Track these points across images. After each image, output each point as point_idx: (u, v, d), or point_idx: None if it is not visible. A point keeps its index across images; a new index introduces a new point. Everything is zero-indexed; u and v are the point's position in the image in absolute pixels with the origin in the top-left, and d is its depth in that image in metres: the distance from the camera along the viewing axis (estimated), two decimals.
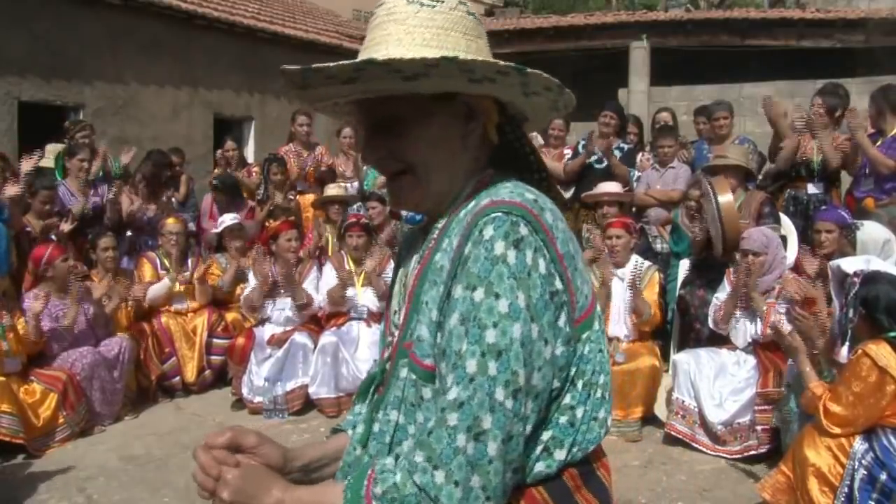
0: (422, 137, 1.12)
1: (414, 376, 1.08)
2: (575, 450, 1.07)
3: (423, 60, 1.01)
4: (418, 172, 1.14)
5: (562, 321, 1.03)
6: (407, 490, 0.97)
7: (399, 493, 0.97)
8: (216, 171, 7.37)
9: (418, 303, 1.09)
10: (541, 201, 1.06)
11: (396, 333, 1.16)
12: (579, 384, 1.07)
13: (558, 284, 1.02)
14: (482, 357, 0.96)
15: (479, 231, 1.01)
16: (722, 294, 4.40)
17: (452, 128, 1.13)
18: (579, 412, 1.07)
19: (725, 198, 4.52)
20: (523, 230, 1.00)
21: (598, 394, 1.09)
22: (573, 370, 1.07)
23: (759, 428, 4.01)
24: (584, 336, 1.08)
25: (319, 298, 5.22)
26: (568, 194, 6.32)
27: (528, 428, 1.01)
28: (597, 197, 5.54)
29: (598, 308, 1.13)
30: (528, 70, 1.10)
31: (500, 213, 1.01)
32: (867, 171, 4.95)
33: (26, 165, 5.45)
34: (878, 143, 4.97)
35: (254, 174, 6.97)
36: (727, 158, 4.97)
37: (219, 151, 7.52)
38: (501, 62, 1.06)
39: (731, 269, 4.37)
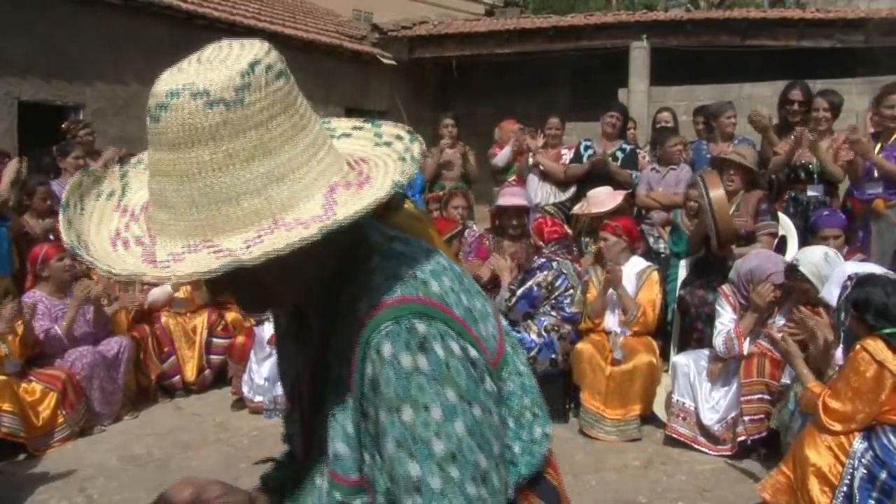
0: (279, 281, 0.96)
1: (338, 495, 0.99)
2: (521, 480, 1.04)
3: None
4: (265, 293, 1.00)
5: (489, 384, 0.96)
6: None
7: None
8: None
9: (323, 414, 0.99)
10: (419, 271, 0.95)
11: (301, 426, 1.10)
12: (511, 422, 1.04)
13: (474, 353, 0.95)
14: (440, 469, 0.89)
15: (377, 351, 0.91)
16: (725, 319, 4.21)
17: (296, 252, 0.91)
18: (517, 448, 1.04)
19: (717, 192, 4.53)
20: (420, 328, 0.91)
21: (529, 417, 1.06)
22: (505, 412, 1.02)
23: (746, 418, 4.00)
24: (504, 375, 1.04)
25: None
26: (568, 194, 6.32)
27: (511, 493, 1.00)
28: (588, 215, 5.50)
29: (510, 341, 1.07)
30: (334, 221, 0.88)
31: (389, 325, 0.91)
32: (874, 173, 4.93)
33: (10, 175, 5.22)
34: (878, 147, 4.96)
35: None
36: (742, 157, 4.95)
37: None
38: (380, 195, 0.91)
39: (727, 290, 4.26)
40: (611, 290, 4.68)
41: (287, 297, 1.02)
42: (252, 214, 0.88)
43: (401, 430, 0.90)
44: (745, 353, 4.07)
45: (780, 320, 4.04)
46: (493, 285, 4.94)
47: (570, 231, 5.26)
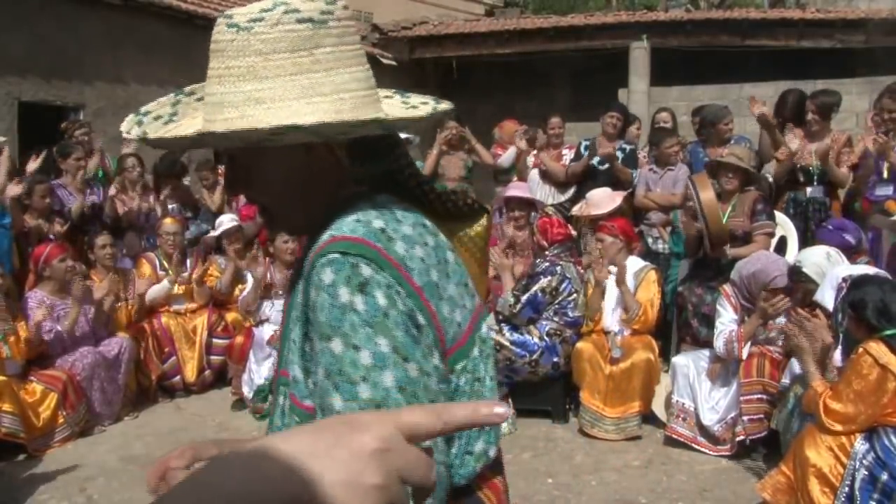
0: (261, 179, 1.08)
1: (296, 416, 1.03)
2: (449, 487, 1.01)
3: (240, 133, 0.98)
4: (271, 211, 1.12)
5: (437, 359, 0.97)
6: None
7: None
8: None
9: (287, 338, 1.05)
10: (391, 229, 0.99)
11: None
12: None
13: (420, 319, 0.95)
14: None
15: (319, 275, 0.95)
16: (726, 319, 4.21)
17: (293, 161, 1.05)
18: (454, 448, 1.02)
19: (706, 194, 4.54)
20: (365, 271, 0.93)
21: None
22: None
23: (745, 418, 4.01)
24: (459, 367, 1.03)
25: None
26: (568, 195, 6.31)
27: (447, 461, 0.99)
28: (586, 217, 5.50)
29: (483, 330, 1.08)
30: (377, 118, 1.02)
31: (337, 255, 0.94)
32: (884, 174, 4.92)
33: (31, 165, 5.44)
34: None
35: None
36: (739, 159, 4.95)
37: None
38: (350, 119, 0.99)
39: (729, 291, 4.26)
40: (611, 289, 4.68)
41: (292, 219, 1.11)
42: (293, 72, 1.00)
43: (330, 360, 0.92)
44: (745, 356, 4.07)
45: (780, 320, 4.04)
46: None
47: (574, 232, 5.24)
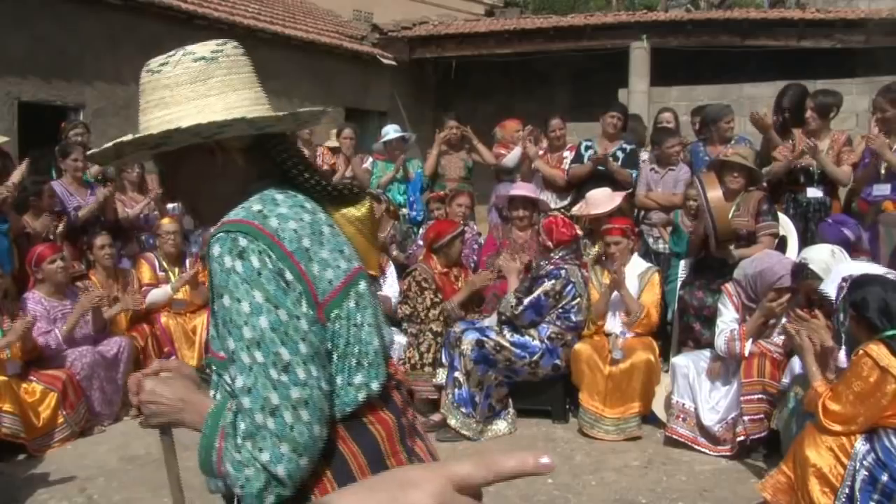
0: (183, 185, 1.42)
1: (215, 368, 1.30)
2: (336, 411, 1.26)
3: (149, 137, 1.30)
4: (196, 209, 1.47)
5: (304, 306, 1.22)
6: (234, 469, 1.19)
7: (228, 472, 1.20)
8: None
9: (212, 305, 1.29)
10: (268, 209, 1.27)
11: None
12: (335, 357, 1.27)
13: (289, 276, 1.22)
14: (248, 350, 1.18)
15: (211, 250, 1.25)
16: (728, 318, 4.22)
17: (203, 165, 1.36)
18: (339, 380, 1.27)
19: (714, 192, 4.53)
20: (242, 242, 1.22)
21: (353, 362, 1.28)
22: (329, 345, 1.26)
23: (746, 418, 4.01)
24: (333, 315, 1.27)
25: None
26: (568, 200, 6.28)
27: (324, 385, 1.22)
28: (586, 217, 5.50)
29: (360, 287, 1.32)
30: (252, 118, 1.30)
31: (221, 234, 1.24)
32: (882, 174, 4.92)
33: (16, 176, 5.30)
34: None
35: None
36: (744, 158, 4.95)
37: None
38: (219, 119, 1.28)
39: (731, 290, 4.27)
40: (614, 297, 4.68)
41: (211, 213, 1.38)
42: (193, 98, 1.33)
43: (223, 312, 1.21)
44: (746, 354, 4.07)
45: (783, 321, 4.04)
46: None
47: (580, 231, 5.24)
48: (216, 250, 1.23)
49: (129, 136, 1.31)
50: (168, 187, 1.51)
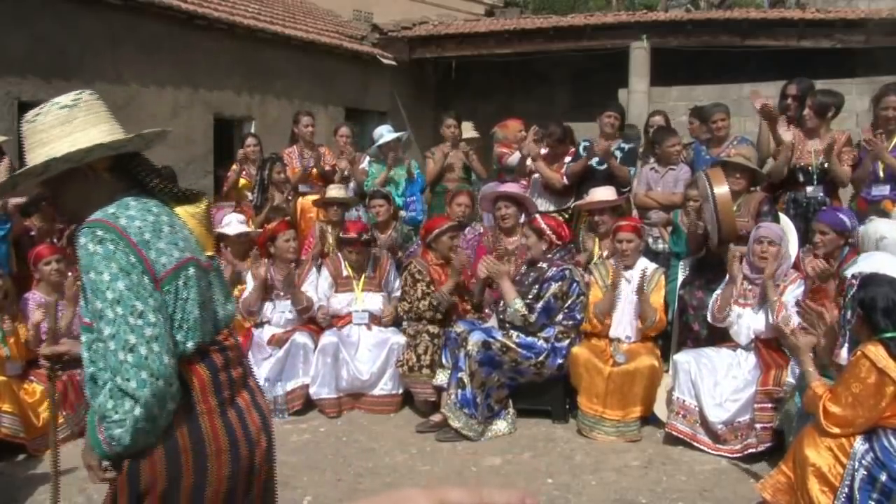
0: (67, 200, 1.85)
1: (83, 329, 1.73)
2: (179, 350, 1.71)
3: (25, 170, 1.76)
4: (80, 219, 1.76)
5: (147, 280, 1.66)
6: (109, 401, 1.59)
7: (105, 406, 1.60)
8: (234, 167, 7.28)
9: (83, 283, 1.70)
10: (119, 212, 1.70)
11: None
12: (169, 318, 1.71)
13: (133, 259, 1.65)
14: (111, 307, 1.61)
15: (77, 241, 1.68)
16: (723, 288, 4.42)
17: (81, 184, 1.78)
18: (178, 336, 1.71)
19: (721, 189, 4.53)
20: (99, 233, 1.65)
21: (175, 325, 1.70)
22: (169, 310, 1.70)
23: (758, 426, 4.01)
24: (166, 289, 1.70)
25: (318, 299, 5.23)
26: (567, 204, 6.26)
27: (166, 323, 1.65)
28: (589, 206, 5.52)
29: (189, 271, 1.74)
30: (90, 146, 1.73)
31: (85, 228, 1.67)
32: (881, 174, 4.92)
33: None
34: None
35: (231, 174, 7.02)
36: (746, 159, 4.96)
37: (240, 151, 7.32)
38: (84, 147, 1.73)
39: (736, 260, 4.37)
40: (625, 296, 4.67)
41: (70, 208, 1.88)
42: (59, 139, 1.78)
43: (91, 283, 1.64)
44: (724, 319, 4.34)
45: (795, 321, 4.07)
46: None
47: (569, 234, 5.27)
48: (82, 241, 1.66)
49: (20, 170, 1.79)
50: (58, 206, 1.87)
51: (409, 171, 6.72)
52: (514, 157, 6.58)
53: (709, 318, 4.45)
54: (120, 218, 1.68)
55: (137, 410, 1.56)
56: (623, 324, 4.72)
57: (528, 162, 6.29)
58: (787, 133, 5.33)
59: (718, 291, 4.47)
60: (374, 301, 5.23)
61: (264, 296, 5.14)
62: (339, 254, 5.39)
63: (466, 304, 5.20)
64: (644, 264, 4.84)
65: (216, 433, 1.71)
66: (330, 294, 5.26)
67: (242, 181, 6.92)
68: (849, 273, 3.31)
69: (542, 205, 6.19)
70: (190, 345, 1.72)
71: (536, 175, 6.30)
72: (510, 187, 5.69)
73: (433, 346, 4.82)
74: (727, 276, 4.47)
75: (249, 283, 5.23)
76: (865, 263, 3.43)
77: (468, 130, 7.28)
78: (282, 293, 5.15)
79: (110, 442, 1.60)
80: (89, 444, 1.68)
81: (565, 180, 6.18)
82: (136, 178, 1.82)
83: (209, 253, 1.88)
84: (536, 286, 4.67)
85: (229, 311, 1.91)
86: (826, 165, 5.17)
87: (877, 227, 4.02)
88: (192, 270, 1.75)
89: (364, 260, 5.30)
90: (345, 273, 5.29)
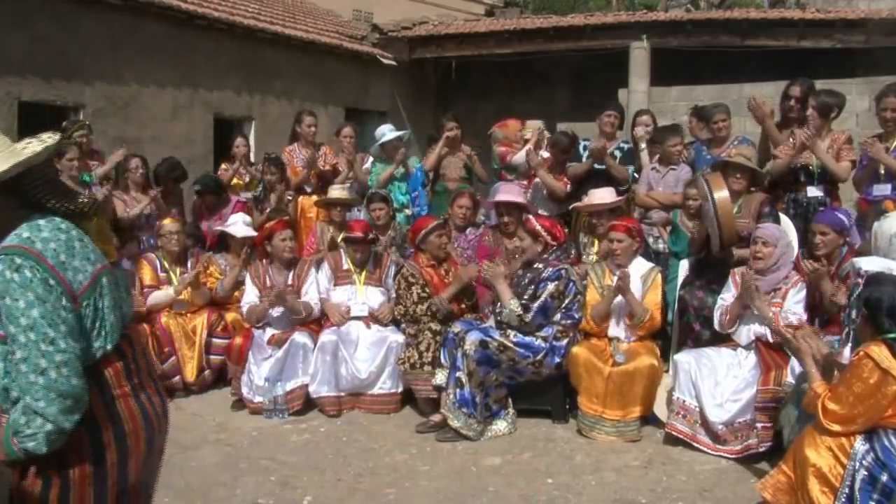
0: None
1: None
2: (88, 360, 1.84)
3: None
4: None
5: (65, 301, 1.77)
6: (21, 418, 1.72)
7: (18, 422, 1.72)
8: (224, 165, 7.33)
9: None
10: (33, 234, 1.78)
11: None
12: (87, 326, 1.85)
13: (52, 282, 1.76)
14: (24, 332, 1.71)
15: None
16: (728, 295, 4.39)
17: None
18: (95, 343, 1.88)
19: (721, 193, 4.51)
20: (17, 260, 1.74)
21: (96, 332, 1.87)
22: (83, 323, 1.83)
23: (759, 426, 4.01)
24: (85, 303, 1.84)
25: (320, 292, 5.25)
26: (567, 208, 6.25)
27: (78, 352, 1.77)
28: (588, 208, 5.51)
29: (102, 282, 1.88)
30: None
31: (2, 255, 1.75)
32: (882, 174, 4.91)
33: None
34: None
35: (227, 171, 7.08)
36: (747, 159, 4.95)
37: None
38: None
39: (737, 271, 4.36)
40: (616, 300, 4.67)
41: None
42: None
43: (6, 308, 1.73)
44: (730, 328, 4.33)
45: (794, 318, 4.08)
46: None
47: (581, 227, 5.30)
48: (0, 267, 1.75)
49: None
50: None
51: (405, 166, 6.72)
52: (519, 156, 6.54)
53: (716, 327, 4.42)
54: (35, 242, 1.77)
55: (48, 427, 1.71)
56: (620, 323, 4.72)
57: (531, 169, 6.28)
58: (801, 132, 5.31)
59: (723, 300, 4.40)
60: (375, 296, 5.23)
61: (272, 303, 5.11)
62: (341, 249, 5.41)
63: (463, 304, 5.19)
64: (639, 264, 4.83)
65: (132, 413, 1.93)
66: (330, 287, 5.27)
67: (235, 181, 7.05)
68: (858, 264, 3.30)
69: (545, 208, 6.19)
70: (109, 346, 1.91)
71: (538, 179, 6.29)
72: (508, 191, 5.65)
73: (435, 343, 4.82)
74: (728, 281, 4.46)
75: (248, 284, 5.23)
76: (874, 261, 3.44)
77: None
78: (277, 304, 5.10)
79: (26, 451, 1.74)
80: (4, 449, 1.78)
81: (569, 188, 6.17)
82: (30, 197, 1.86)
83: (111, 259, 2.06)
84: (532, 286, 4.67)
85: (132, 305, 2.14)
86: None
87: (891, 223, 4.02)
88: (104, 280, 1.90)
89: (366, 257, 5.32)
90: (345, 266, 5.30)
